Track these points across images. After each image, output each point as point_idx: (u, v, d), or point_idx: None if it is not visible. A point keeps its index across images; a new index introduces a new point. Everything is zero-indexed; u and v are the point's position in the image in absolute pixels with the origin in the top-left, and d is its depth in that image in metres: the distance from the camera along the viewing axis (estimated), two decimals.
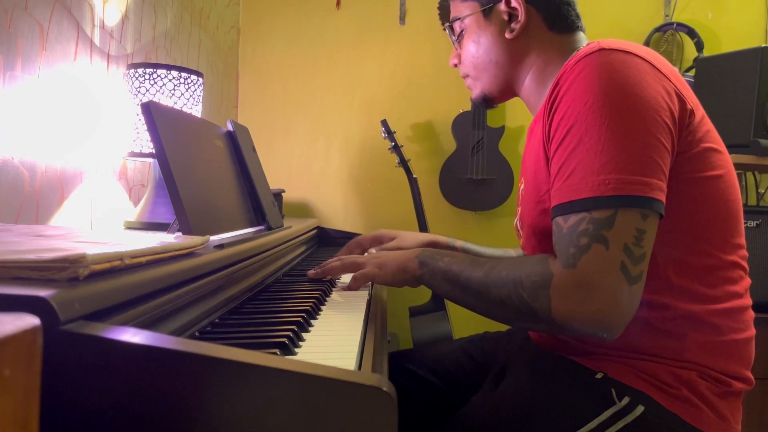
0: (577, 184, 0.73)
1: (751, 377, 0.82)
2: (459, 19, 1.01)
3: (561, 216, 0.74)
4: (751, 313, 0.84)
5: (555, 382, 0.84)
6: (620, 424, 0.76)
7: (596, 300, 0.69)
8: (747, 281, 0.84)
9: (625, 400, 0.77)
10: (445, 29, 1.07)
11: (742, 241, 0.84)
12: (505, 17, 0.95)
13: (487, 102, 1.04)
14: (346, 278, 1.09)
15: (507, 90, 1.02)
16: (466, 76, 1.05)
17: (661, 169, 0.73)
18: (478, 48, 0.99)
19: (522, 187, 0.96)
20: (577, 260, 0.70)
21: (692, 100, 0.80)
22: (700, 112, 0.80)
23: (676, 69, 0.83)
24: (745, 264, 0.84)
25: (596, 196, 0.71)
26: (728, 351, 0.80)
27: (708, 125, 0.81)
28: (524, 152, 0.97)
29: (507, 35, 0.95)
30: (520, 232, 0.98)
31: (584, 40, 0.96)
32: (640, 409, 0.76)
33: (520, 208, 0.97)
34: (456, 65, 1.06)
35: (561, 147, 0.76)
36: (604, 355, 0.82)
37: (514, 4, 0.94)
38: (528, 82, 0.98)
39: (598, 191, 0.71)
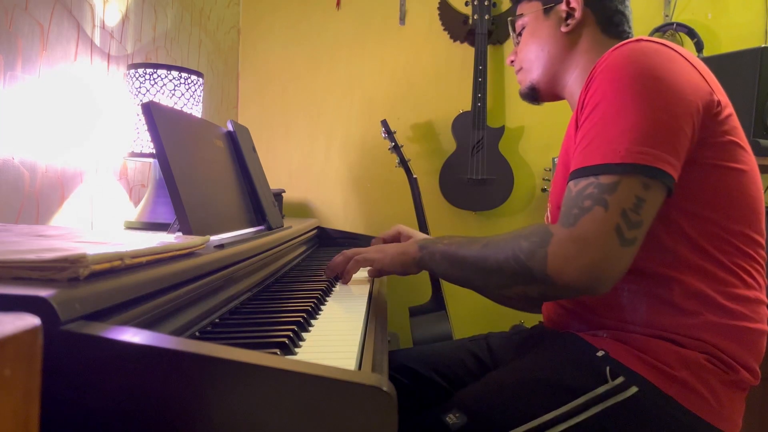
0: (591, 152, 0.77)
1: (759, 371, 0.82)
2: (522, 16, 1.09)
3: (573, 180, 0.79)
4: (765, 310, 0.85)
5: (555, 357, 0.86)
6: (610, 402, 0.77)
7: (588, 254, 0.73)
8: (763, 279, 0.86)
9: (619, 380, 0.78)
10: (510, 29, 1.15)
11: (762, 240, 0.86)
12: (563, 15, 1.03)
13: (534, 93, 1.11)
14: (358, 276, 1.10)
15: (553, 84, 1.08)
16: (519, 70, 1.12)
17: (674, 147, 0.76)
18: (534, 39, 1.07)
19: (552, 179, 1.00)
20: (577, 220, 0.75)
21: (722, 96, 0.83)
22: (729, 108, 0.84)
23: (707, 67, 0.86)
24: (763, 262, 0.86)
25: (605, 163, 0.76)
26: (740, 337, 0.81)
27: (736, 123, 0.85)
28: (562, 145, 1.01)
29: (562, 29, 1.03)
30: (549, 218, 1.02)
31: None
32: (633, 389, 0.77)
33: (549, 205, 1.02)
34: (512, 62, 1.14)
35: (587, 122, 0.81)
36: (613, 330, 0.84)
37: (573, 4, 1.02)
38: (573, 80, 1.05)
39: (607, 158, 0.75)
